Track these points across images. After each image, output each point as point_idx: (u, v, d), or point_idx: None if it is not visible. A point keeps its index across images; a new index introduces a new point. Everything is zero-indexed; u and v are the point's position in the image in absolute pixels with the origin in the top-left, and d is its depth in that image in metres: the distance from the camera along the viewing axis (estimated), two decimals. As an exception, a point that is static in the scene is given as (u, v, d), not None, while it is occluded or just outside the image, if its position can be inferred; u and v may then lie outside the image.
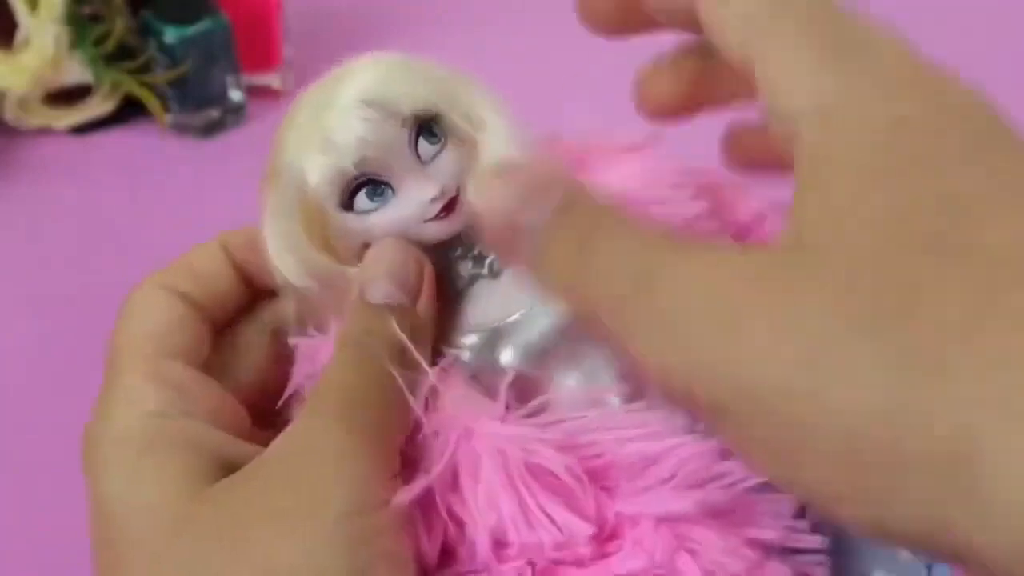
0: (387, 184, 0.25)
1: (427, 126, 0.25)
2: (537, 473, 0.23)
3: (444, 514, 0.23)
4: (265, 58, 0.54)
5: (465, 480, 0.23)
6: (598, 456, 0.24)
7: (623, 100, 0.55)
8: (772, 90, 0.19)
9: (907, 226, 0.17)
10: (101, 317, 0.44)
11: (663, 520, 0.23)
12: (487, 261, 0.26)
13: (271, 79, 0.54)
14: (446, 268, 0.26)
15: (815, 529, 0.25)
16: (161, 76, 0.51)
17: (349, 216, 0.25)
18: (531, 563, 0.23)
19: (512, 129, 0.26)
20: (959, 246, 0.16)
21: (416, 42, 0.61)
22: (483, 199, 0.21)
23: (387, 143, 0.24)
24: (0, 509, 0.36)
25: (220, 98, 0.52)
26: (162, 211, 0.49)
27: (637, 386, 0.25)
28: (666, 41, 0.25)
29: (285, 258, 0.25)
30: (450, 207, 0.25)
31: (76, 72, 0.51)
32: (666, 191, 0.27)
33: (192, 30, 0.49)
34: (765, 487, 0.24)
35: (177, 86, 0.51)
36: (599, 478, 0.24)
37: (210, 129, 0.52)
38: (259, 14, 0.53)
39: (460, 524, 0.23)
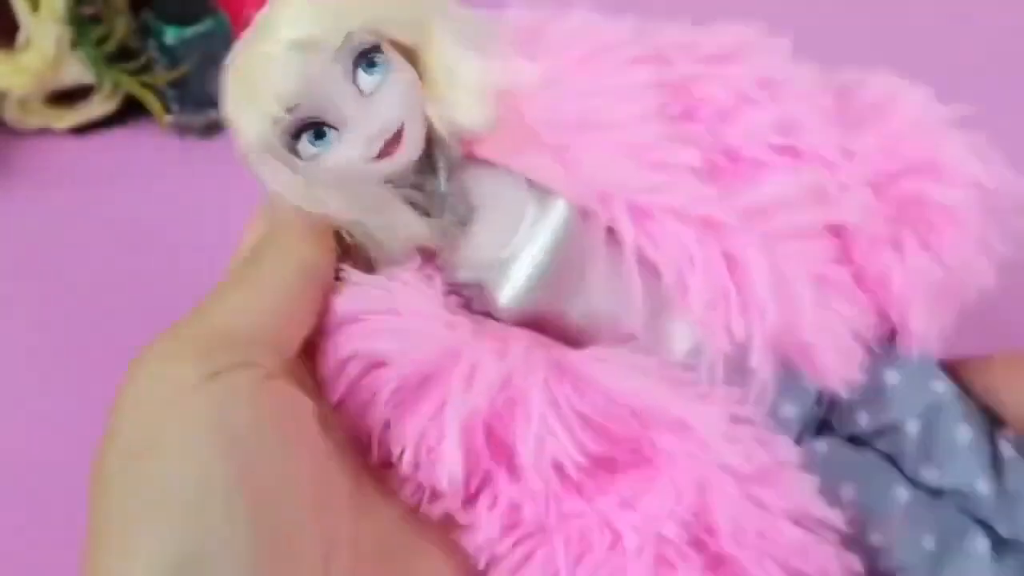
0: (329, 126, 0.23)
1: (367, 56, 0.23)
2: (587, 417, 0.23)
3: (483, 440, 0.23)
4: (265, 59, 0.54)
5: (520, 413, 0.23)
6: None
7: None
8: None
9: None
10: (101, 316, 0.44)
11: (701, 465, 0.23)
12: (450, 209, 0.25)
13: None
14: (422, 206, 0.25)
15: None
16: (161, 76, 0.51)
17: (297, 162, 0.24)
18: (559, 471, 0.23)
19: (460, 37, 0.25)
20: None
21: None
22: None
23: (319, 84, 0.23)
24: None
25: (220, 99, 0.52)
26: (162, 211, 0.49)
27: (639, 312, 0.25)
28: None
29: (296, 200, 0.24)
30: (395, 141, 0.23)
31: (77, 73, 0.51)
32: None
33: (192, 31, 0.49)
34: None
35: (177, 87, 0.51)
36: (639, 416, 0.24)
37: (210, 129, 0.52)
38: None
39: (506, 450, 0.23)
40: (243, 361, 0.22)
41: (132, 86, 0.51)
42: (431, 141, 0.25)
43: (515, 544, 0.24)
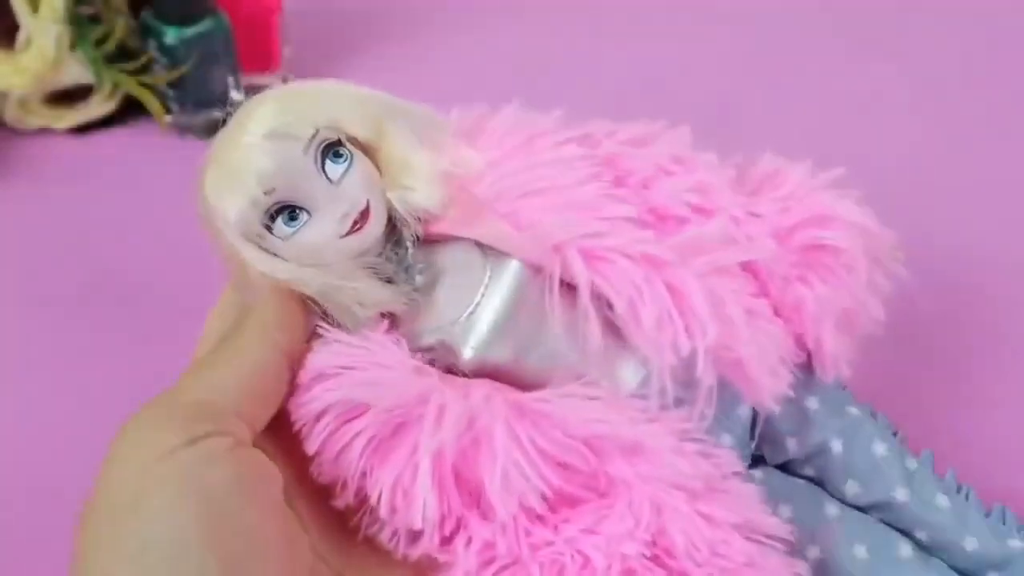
0: (302, 208, 0.27)
1: (332, 149, 0.27)
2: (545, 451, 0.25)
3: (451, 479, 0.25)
4: (265, 59, 0.54)
5: (485, 452, 0.25)
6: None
7: (621, 100, 0.55)
8: None
9: None
10: (100, 316, 0.44)
11: (654, 486, 0.26)
12: (416, 277, 0.28)
13: (271, 80, 0.55)
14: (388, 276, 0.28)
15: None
16: (161, 77, 0.51)
17: (274, 239, 0.27)
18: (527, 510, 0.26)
19: (411, 132, 0.28)
20: None
21: (412, 42, 0.61)
22: None
23: (292, 169, 0.26)
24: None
25: (220, 98, 0.52)
26: (162, 211, 0.49)
27: (595, 356, 0.27)
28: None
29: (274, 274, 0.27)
30: (363, 219, 0.27)
31: (76, 73, 0.51)
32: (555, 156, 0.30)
33: (192, 31, 0.49)
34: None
35: (177, 87, 0.51)
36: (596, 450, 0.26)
37: (211, 129, 0.52)
38: (259, 15, 0.53)
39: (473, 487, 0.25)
40: (219, 430, 0.24)
41: (131, 86, 0.51)
42: (392, 220, 0.28)
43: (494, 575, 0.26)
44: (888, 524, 0.30)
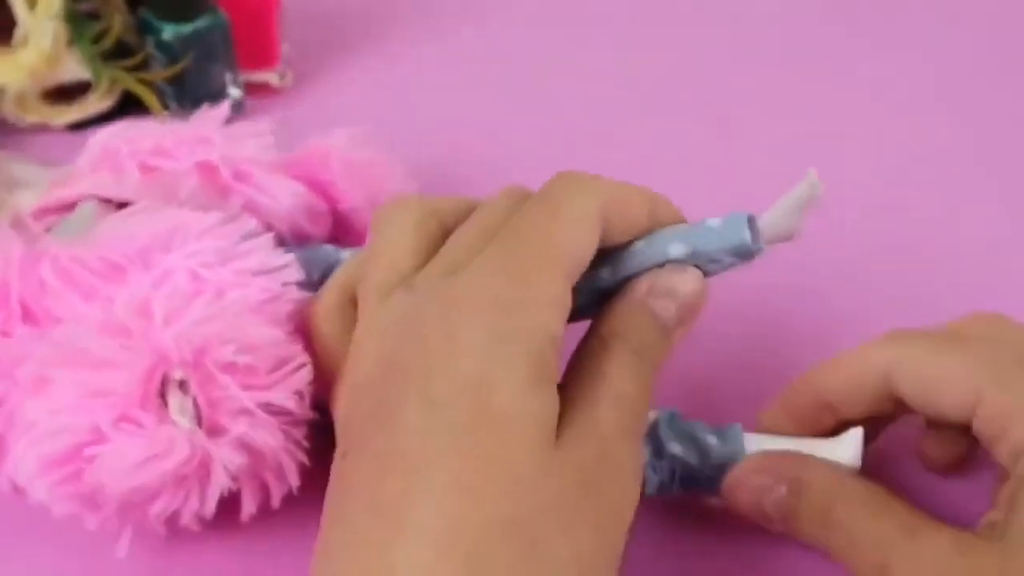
0: None
1: None
2: None
3: None
4: (263, 55, 0.54)
5: None
6: None
7: (618, 99, 0.54)
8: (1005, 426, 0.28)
9: None
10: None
11: None
12: None
13: (269, 76, 0.54)
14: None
15: None
16: (159, 73, 0.51)
17: None
18: None
19: None
20: None
21: (411, 40, 0.61)
22: (735, 489, 0.30)
23: None
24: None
25: (218, 95, 0.52)
26: (160, 208, 0.49)
27: None
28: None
29: None
30: None
31: (74, 69, 0.51)
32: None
33: (190, 27, 0.49)
34: None
35: (175, 83, 0.51)
36: None
37: (208, 126, 0.52)
38: (257, 11, 0.53)
39: None
40: None
41: (129, 83, 0.51)
42: None
43: None
44: None
